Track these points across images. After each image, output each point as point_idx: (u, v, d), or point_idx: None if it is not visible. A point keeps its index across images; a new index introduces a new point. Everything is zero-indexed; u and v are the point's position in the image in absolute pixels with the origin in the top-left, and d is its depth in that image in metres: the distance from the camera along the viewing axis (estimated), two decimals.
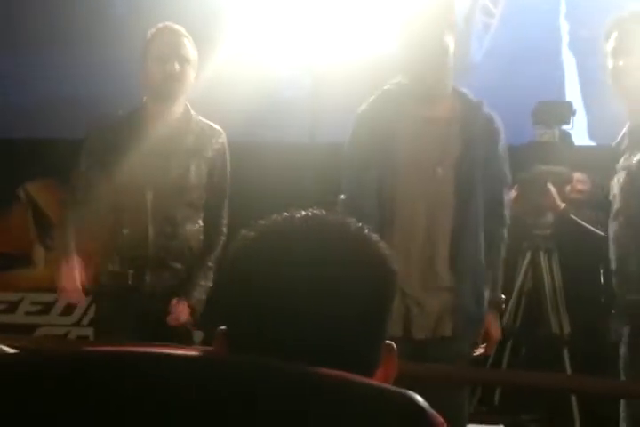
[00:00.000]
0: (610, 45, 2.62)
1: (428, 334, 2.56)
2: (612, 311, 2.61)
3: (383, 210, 2.59)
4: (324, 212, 1.04)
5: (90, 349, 0.97)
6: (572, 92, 4.31)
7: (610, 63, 2.62)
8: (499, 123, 2.73)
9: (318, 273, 0.97)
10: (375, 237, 1.03)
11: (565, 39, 4.40)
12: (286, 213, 1.03)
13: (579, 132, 3.93)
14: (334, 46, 4.36)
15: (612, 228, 2.62)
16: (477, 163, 2.63)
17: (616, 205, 2.61)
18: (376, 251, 1.02)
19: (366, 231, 1.03)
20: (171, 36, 3.06)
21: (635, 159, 2.55)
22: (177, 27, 3.10)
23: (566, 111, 3.61)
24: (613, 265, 2.60)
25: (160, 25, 3.12)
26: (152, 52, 3.04)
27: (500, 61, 4.23)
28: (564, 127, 3.62)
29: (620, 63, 2.58)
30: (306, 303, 0.96)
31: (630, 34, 2.58)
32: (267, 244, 1.01)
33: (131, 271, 2.94)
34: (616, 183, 2.64)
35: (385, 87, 2.71)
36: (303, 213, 1.03)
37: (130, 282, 2.93)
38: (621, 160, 2.63)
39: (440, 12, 2.59)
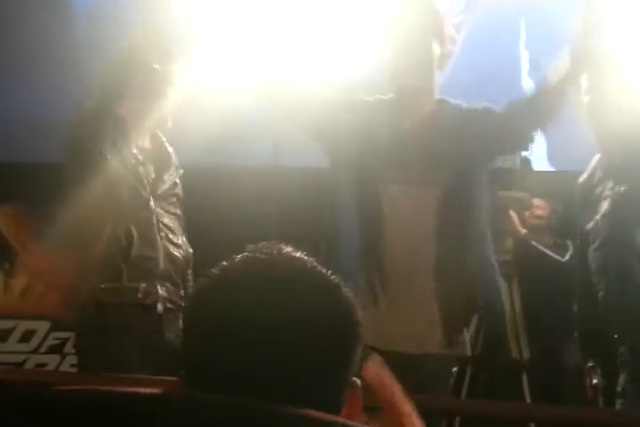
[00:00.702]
0: (583, 82, 2.68)
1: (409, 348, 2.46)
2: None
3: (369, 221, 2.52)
4: (286, 249, 1.04)
5: (46, 388, 0.98)
6: None
7: (582, 99, 2.67)
8: (465, 104, 2.64)
9: (273, 320, 0.97)
10: (337, 280, 1.04)
11: (525, 67, 4.47)
12: (248, 253, 1.04)
13: (536, 158, 3.99)
14: (295, 70, 4.38)
15: (597, 258, 2.64)
16: (472, 163, 2.55)
17: (599, 236, 2.63)
18: (335, 296, 1.02)
19: (329, 276, 1.04)
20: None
21: (620, 189, 2.59)
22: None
23: None
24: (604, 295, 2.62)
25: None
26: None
27: (462, 88, 4.27)
28: (524, 153, 3.68)
29: (591, 98, 2.64)
30: (258, 349, 0.97)
31: (601, 71, 2.64)
32: (225, 287, 1.01)
33: (143, 285, 2.72)
34: (595, 213, 2.67)
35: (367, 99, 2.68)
36: (264, 253, 1.03)
37: (140, 296, 2.71)
38: (597, 191, 2.66)
39: (427, 22, 2.58)
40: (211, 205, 3.94)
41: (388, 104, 2.65)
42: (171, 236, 2.85)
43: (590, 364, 2.70)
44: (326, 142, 2.66)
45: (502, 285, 3.41)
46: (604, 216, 2.61)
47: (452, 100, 2.67)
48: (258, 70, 2.70)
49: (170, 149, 3.02)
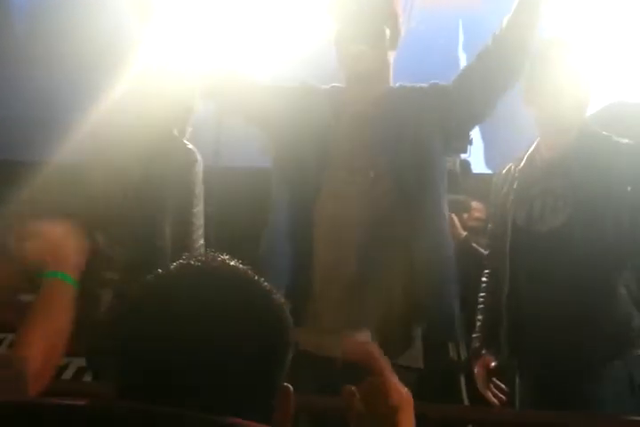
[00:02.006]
0: (526, 71, 2.58)
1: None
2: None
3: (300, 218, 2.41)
4: (220, 258, 1.07)
5: None
6: None
7: (526, 87, 2.61)
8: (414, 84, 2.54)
9: (205, 326, 1.00)
10: (267, 286, 1.06)
11: None
12: (182, 261, 1.07)
13: (474, 161, 4.06)
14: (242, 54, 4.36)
15: (549, 250, 2.59)
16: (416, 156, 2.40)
17: (549, 229, 2.56)
18: (267, 302, 1.05)
19: (261, 282, 1.06)
20: None
21: (573, 187, 2.52)
22: None
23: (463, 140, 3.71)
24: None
25: None
26: None
27: None
28: (463, 156, 3.72)
29: (535, 88, 2.58)
30: (190, 355, 0.98)
31: (545, 59, 2.58)
32: (157, 295, 1.03)
33: None
34: (539, 207, 2.60)
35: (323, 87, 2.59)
36: (198, 260, 1.06)
37: None
38: (538, 187, 2.60)
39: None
40: None
41: (333, 92, 2.56)
42: None
43: (484, 351, 2.73)
44: (268, 131, 2.57)
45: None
46: (560, 213, 2.56)
47: (410, 84, 2.55)
48: (204, 60, 2.61)
49: None
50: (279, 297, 1.06)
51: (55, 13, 4.33)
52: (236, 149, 4.28)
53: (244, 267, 1.07)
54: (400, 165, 2.41)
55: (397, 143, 2.43)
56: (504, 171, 2.78)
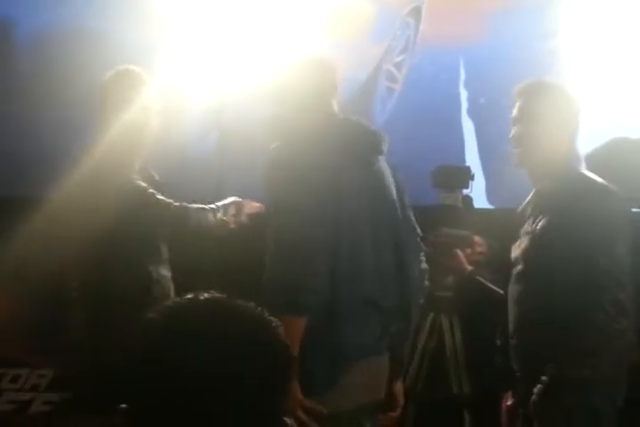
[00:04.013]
0: (513, 113, 2.66)
1: None
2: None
3: None
4: (223, 296, 1.10)
5: None
6: (471, 157, 4.46)
7: (511, 131, 2.65)
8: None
9: (217, 362, 1.02)
10: (274, 321, 1.09)
11: (464, 106, 4.56)
12: (189, 297, 1.09)
13: (476, 196, 4.06)
14: (241, 101, 4.40)
15: (514, 290, 2.65)
16: None
17: (517, 270, 2.64)
18: (273, 337, 1.07)
19: (265, 317, 1.09)
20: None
21: (539, 226, 2.58)
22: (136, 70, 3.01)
23: (465, 176, 3.72)
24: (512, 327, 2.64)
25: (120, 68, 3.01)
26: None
27: (403, 126, 4.34)
28: (465, 191, 3.72)
29: (520, 131, 2.61)
30: (206, 389, 1.01)
31: (530, 102, 2.62)
32: (171, 329, 1.06)
33: None
34: (517, 247, 2.67)
35: None
36: (205, 297, 1.09)
37: None
38: (525, 226, 2.65)
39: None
40: None
41: None
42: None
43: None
44: None
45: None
46: (522, 252, 2.59)
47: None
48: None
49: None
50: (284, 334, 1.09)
51: (59, 48, 4.37)
52: (239, 187, 4.28)
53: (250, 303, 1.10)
54: None
55: None
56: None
